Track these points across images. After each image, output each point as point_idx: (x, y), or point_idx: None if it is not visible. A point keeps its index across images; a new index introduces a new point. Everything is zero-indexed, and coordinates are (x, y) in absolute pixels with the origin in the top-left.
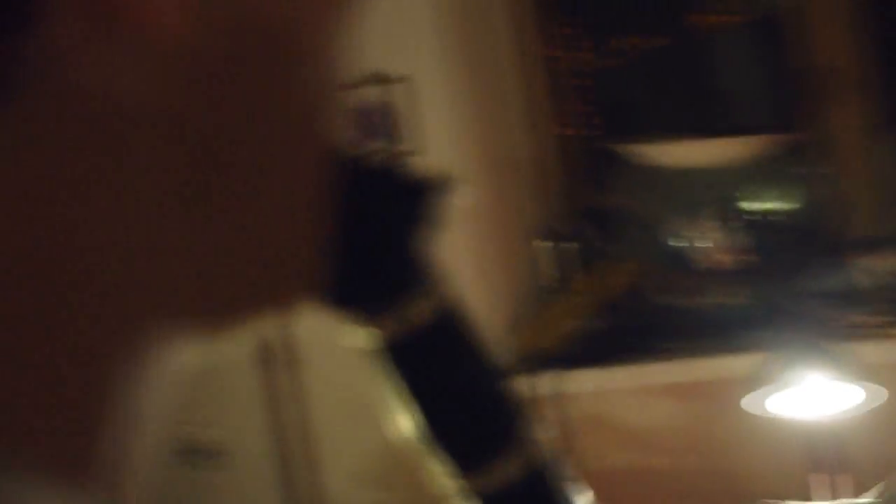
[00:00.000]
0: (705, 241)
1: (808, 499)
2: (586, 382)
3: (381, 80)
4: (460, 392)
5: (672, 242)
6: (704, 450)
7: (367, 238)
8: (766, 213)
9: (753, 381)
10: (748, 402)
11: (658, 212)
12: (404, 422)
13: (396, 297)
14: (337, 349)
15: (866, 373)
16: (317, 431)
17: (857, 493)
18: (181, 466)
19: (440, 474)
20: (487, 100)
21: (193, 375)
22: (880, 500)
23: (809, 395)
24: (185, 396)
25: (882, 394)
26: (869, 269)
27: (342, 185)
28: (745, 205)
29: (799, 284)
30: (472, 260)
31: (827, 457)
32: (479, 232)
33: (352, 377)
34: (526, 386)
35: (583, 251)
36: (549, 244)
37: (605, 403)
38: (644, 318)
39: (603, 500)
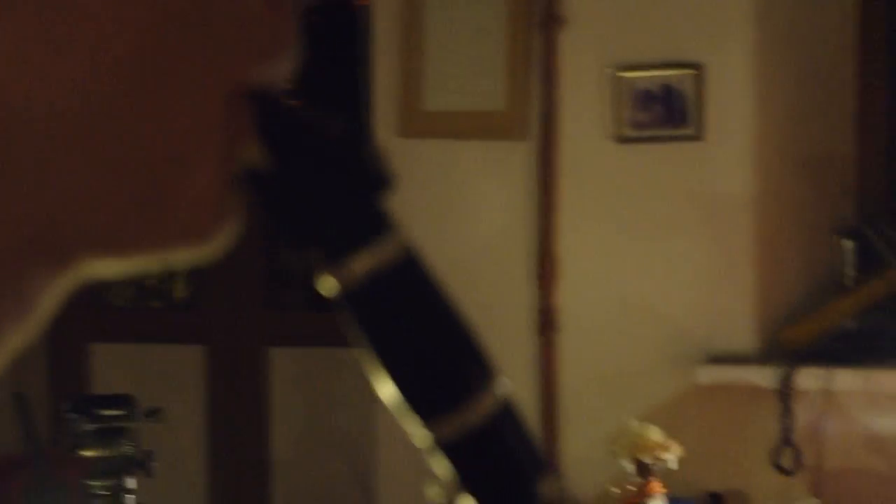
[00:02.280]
0: None
1: None
2: (846, 382)
3: (676, 65)
4: (420, 340)
5: None
6: None
7: (323, 188)
8: None
9: None
10: None
11: None
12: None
13: (354, 244)
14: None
15: None
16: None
17: None
18: None
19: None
20: (801, 94)
21: None
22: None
23: None
24: None
25: None
26: None
27: (281, 129)
28: None
29: None
30: (759, 250)
31: None
32: (774, 222)
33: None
34: (786, 378)
35: (876, 251)
36: (847, 241)
37: (858, 405)
38: None
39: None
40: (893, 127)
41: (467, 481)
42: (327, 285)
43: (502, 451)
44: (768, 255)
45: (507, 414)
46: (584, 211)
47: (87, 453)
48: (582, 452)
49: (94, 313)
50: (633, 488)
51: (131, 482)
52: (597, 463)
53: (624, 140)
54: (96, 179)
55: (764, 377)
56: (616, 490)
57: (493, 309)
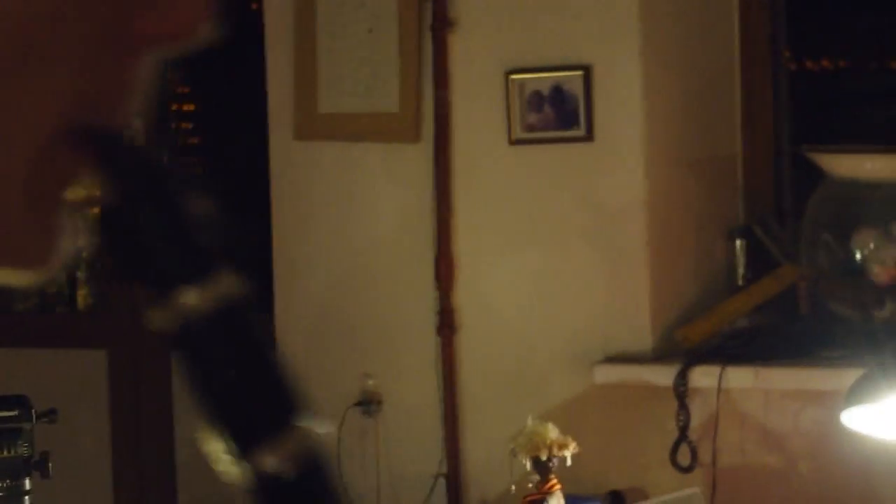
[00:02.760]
0: (887, 256)
1: None
2: (739, 379)
3: (564, 67)
4: (239, 378)
5: (854, 253)
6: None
7: (156, 226)
8: None
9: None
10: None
11: (845, 221)
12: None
13: (183, 282)
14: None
15: None
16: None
17: None
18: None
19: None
20: (688, 95)
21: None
22: None
23: None
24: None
25: None
26: None
27: (112, 166)
28: None
29: None
30: (652, 250)
31: None
32: (665, 223)
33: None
34: (681, 377)
35: (765, 251)
36: (736, 241)
37: (752, 402)
38: (809, 322)
39: (733, 495)
40: (780, 127)
41: None
42: (155, 318)
43: (307, 491)
44: (661, 255)
45: (313, 456)
46: (480, 212)
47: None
48: (482, 452)
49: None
50: (532, 486)
51: (27, 483)
52: (497, 463)
53: (516, 142)
54: None
55: (660, 376)
56: (515, 489)
57: (394, 309)
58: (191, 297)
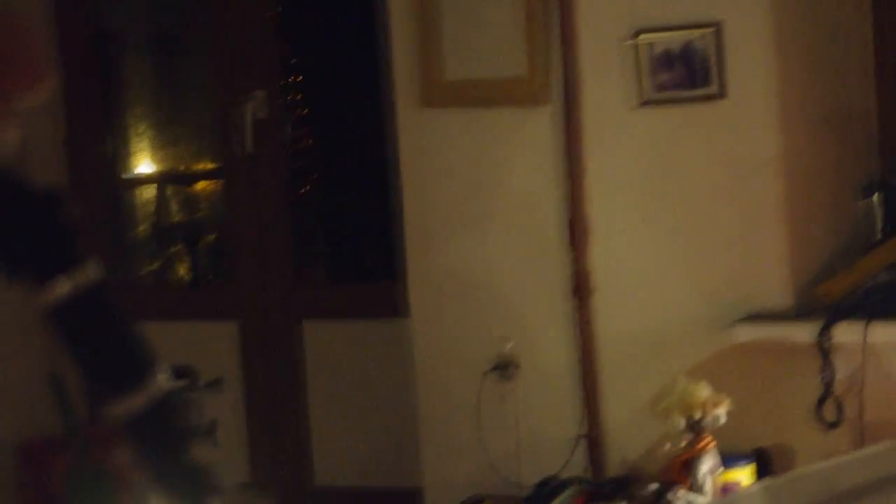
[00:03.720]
0: None
1: None
2: (884, 334)
3: (695, 25)
4: (104, 340)
5: None
6: None
7: (26, 230)
8: None
9: None
10: None
11: None
12: None
13: (56, 272)
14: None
15: None
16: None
17: None
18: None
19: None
20: (820, 50)
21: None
22: None
23: None
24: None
25: None
26: None
27: None
28: None
29: None
30: (789, 207)
31: None
32: (801, 179)
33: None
34: (824, 333)
35: None
36: (872, 198)
37: (893, 355)
38: None
39: None
40: None
41: (139, 450)
42: (38, 303)
43: (158, 433)
44: (797, 212)
45: (165, 399)
46: (611, 174)
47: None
48: (622, 413)
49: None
50: (685, 445)
51: None
52: (637, 423)
53: (647, 102)
54: None
55: (802, 333)
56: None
57: (528, 274)
58: (62, 284)
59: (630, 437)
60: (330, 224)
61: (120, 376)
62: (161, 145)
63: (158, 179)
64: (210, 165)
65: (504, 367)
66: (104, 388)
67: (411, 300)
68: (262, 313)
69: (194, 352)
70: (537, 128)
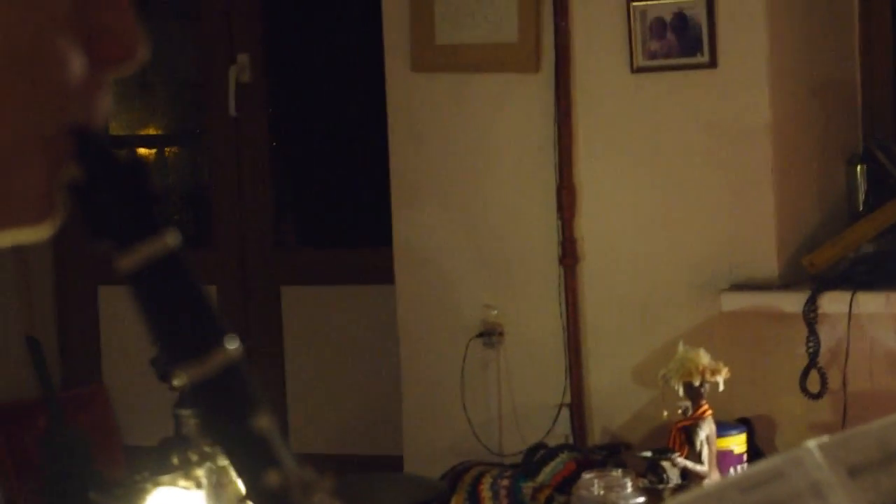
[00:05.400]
0: None
1: None
2: (870, 304)
3: None
4: (178, 306)
5: None
6: None
7: (114, 198)
8: None
9: None
10: None
11: None
12: None
13: (137, 239)
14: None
15: None
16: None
17: None
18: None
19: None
20: (809, 22)
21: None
22: None
23: None
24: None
25: None
26: None
27: (86, 154)
28: None
29: None
30: (777, 176)
31: None
32: (790, 149)
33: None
34: (811, 303)
35: (887, 174)
36: (857, 166)
37: (882, 327)
38: None
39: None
40: None
41: (203, 416)
42: (119, 267)
43: (229, 396)
44: (786, 181)
45: (238, 365)
46: (601, 142)
47: (177, 382)
48: (606, 382)
49: (102, 256)
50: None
51: None
52: (621, 392)
53: (638, 70)
54: None
55: (788, 302)
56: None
57: (515, 240)
58: (142, 250)
59: (613, 406)
60: (315, 189)
61: (192, 342)
62: (139, 107)
63: (132, 142)
64: (186, 131)
65: (489, 335)
66: (176, 353)
67: (396, 266)
68: (241, 278)
69: None
70: (528, 94)
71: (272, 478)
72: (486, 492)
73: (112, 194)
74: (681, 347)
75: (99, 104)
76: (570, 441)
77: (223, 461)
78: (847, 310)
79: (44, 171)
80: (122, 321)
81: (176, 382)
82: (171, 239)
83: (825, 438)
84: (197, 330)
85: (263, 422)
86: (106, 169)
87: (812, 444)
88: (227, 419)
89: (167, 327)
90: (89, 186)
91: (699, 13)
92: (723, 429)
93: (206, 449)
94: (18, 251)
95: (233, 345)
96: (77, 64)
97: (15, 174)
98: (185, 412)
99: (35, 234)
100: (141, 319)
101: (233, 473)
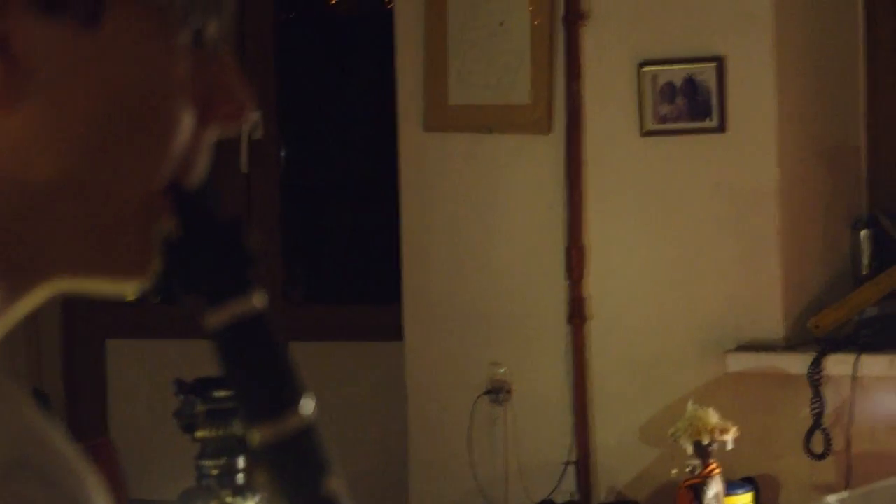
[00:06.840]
0: None
1: None
2: (874, 367)
3: (697, 59)
4: (259, 366)
5: None
6: None
7: (208, 255)
8: None
9: None
10: None
11: None
12: None
13: (225, 297)
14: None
15: None
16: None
17: None
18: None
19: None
20: (817, 88)
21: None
22: None
23: None
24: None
25: None
26: None
27: (182, 207)
28: None
29: None
30: (784, 239)
31: None
32: (796, 213)
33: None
34: (815, 365)
35: (891, 239)
36: (861, 231)
37: (886, 390)
38: None
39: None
40: None
41: (274, 476)
42: (206, 323)
43: (303, 457)
44: (793, 244)
45: (310, 428)
46: (611, 203)
47: (200, 434)
48: (612, 440)
49: (109, 310)
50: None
51: (241, 461)
52: (628, 450)
53: (648, 133)
54: (67, 225)
55: (793, 364)
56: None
57: (524, 299)
58: (231, 309)
59: (620, 465)
60: (325, 246)
61: (270, 402)
62: None
63: None
64: None
65: (497, 392)
66: (253, 411)
67: (405, 322)
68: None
69: (177, 370)
70: (539, 155)
71: None
72: None
73: (209, 252)
74: (690, 406)
75: (200, 160)
76: (576, 498)
77: None
78: (851, 372)
79: (146, 225)
80: (129, 375)
81: (251, 440)
82: (259, 299)
83: (845, 494)
84: (276, 391)
85: (334, 484)
86: (205, 226)
87: (832, 499)
88: (299, 481)
89: (247, 386)
90: (185, 241)
91: (709, 78)
92: (729, 487)
93: (228, 500)
94: None
95: (309, 407)
96: (189, 123)
97: (122, 227)
98: (209, 463)
99: (133, 285)
100: (223, 375)
101: None
